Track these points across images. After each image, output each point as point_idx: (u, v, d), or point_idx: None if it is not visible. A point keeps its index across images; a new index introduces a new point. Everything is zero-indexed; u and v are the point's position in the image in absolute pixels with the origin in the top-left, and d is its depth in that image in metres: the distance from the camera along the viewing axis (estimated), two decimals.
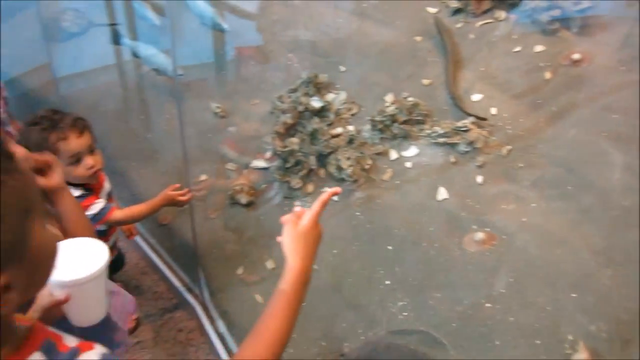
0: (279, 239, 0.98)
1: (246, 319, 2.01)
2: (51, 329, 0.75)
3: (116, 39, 2.98)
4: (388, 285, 1.95)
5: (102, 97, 2.95)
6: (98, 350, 0.74)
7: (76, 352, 0.72)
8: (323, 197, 0.99)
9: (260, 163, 2.40)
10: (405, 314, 1.86)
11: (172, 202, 1.89)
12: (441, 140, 2.30)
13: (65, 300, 0.96)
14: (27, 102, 2.75)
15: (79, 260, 0.99)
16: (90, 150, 1.65)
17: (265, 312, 0.89)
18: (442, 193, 2.15)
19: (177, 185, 1.92)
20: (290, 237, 0.94)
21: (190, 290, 2.21)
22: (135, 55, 2.92)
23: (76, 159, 1.61)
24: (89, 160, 1.63)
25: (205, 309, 2.11)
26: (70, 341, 0.74)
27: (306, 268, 0.92)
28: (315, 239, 0.96)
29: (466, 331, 1.75)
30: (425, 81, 2.58)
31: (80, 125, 1.62)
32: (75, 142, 1.60)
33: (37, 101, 2.87)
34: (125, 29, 3.01)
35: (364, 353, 1.79)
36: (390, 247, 2.05)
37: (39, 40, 2.73)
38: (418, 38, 2.76)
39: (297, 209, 0.99)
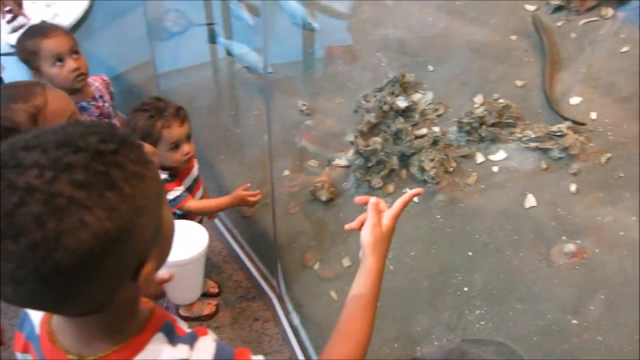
0: (347, 226, 0.97)
1: (320, 314, 2.03)
2: (167, 312, 0.79)
3: (212, 38, 3.13)
4: (466, 292, 1.88)
5: (197, 92, 3.11)
6: (212, 335, 0.77)
7: (194, 335, 0.75)
8: (405, 197, 0.97)
9: (342, 160, 2.42)
10: (483, 323, 1.78)
11: (242, 202, 2.00)
12: (533, 144, 2.18)
13: (169, 279, 1.01)
14: (131, 96, 2.96)
15: (182, 241, 1.05)
16: (187, 138, 1.81)
17: (348, 312, 0.88)
18: (531, 200, 2.04)
19: (248, 185, 2.02)
20: (374, 237, 0.93)
21: (267, 281, 2.27)
22: (229, 53, 3.05)
23: (175, 146, 1.78)
24: (186, 148, 1.80)
25: (281, 300, 2.16)
26: (184, 326, 0.78)
27: (383, 268, 0.93)
28: (391, 238, 0.96)
29: (548, 346, 1.65)
30: (519, 82, 2.46)
31: (182, 115, 1.80)
32: (177, 131, 1.76)
33: (139, 96, 3.06)
34: (221, 28, 3.15)
35: (437, 359, 1.74)
36: (470, 253, 1.98)
37: (143, 39, 2.93)
38: (513, 37, 2.63)
39: (372, 199, 0.97)
